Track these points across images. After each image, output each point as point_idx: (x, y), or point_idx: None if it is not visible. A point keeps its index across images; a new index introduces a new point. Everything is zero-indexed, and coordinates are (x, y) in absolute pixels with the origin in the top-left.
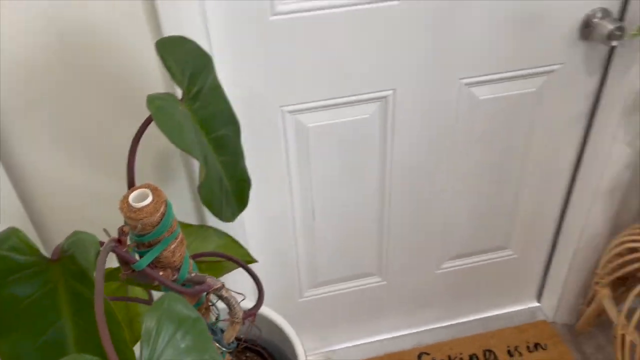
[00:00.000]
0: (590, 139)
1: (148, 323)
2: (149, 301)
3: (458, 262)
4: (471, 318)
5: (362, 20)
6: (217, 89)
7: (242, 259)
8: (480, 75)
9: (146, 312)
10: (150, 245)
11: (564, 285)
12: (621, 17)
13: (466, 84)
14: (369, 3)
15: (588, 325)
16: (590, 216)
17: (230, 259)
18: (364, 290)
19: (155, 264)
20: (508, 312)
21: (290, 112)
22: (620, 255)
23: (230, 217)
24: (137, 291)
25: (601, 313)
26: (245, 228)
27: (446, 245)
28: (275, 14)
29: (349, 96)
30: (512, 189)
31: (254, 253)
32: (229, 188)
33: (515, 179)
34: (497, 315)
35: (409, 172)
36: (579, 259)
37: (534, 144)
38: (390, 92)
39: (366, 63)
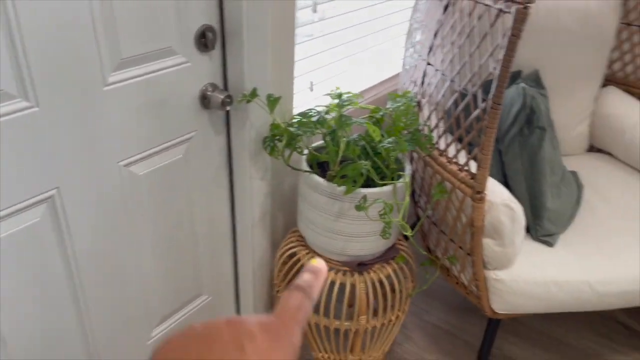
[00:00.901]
0: (235, 181)
1: None
2: None
3: (165, 324)
4: None
5: (4, 131)
6: None
7: None
8: (134, 155)
9: None
10: None
11: (254, 305)
12: (226, 88)
13: (124, 165)
14: (9, 114)
15: None
16: (254, 240)
17: None
18: None
19: None
20: None
21: None
22: (285, 263)
23: None
24: None
25: None
26: None
27: (149, 313)
28: None
29: (8, 207)
30: (190, 240)
31: None
32: None
33: (191, 231)
34: None
35: (95, 258)
36: (258, 277)
37: (196, 198)
38: (54, 190)
39: (18, 170)
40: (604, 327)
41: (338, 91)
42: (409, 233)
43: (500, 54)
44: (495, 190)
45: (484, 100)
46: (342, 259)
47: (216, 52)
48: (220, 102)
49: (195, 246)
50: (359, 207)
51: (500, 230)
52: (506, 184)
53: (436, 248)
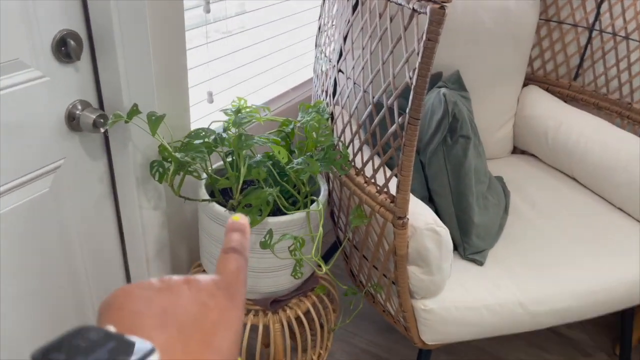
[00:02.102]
0: (122, 212)
1: None
2: None
3: None
4: None
5: None
6: None
7: None
8: None
9: None
10: None
11: None
12: (102, 105)
13: None
14: None
15: None
16: (152, 277)
17: None
18: None
19: None
20: None
21: None
22: None
23: None
24: None
25: None
26: None
27: None
28: None
29: None
30: (71, 285)
31: None
32: None
33: (70, 275)
34: None
35: None
36: None
37: (74, 235)
38: None
39: None
40: (534, 336)
41: (237, 104)
42: (323, 270)
43: (417, 61)
44: (418, 212)
45: (400, 114)
46: (252, 297)
47: (84, 63)
48: (91, 123)
49: (78, 291)
50: (264, 245)
51: (426, 257)
52: (430, 199)
53: (359, 273)
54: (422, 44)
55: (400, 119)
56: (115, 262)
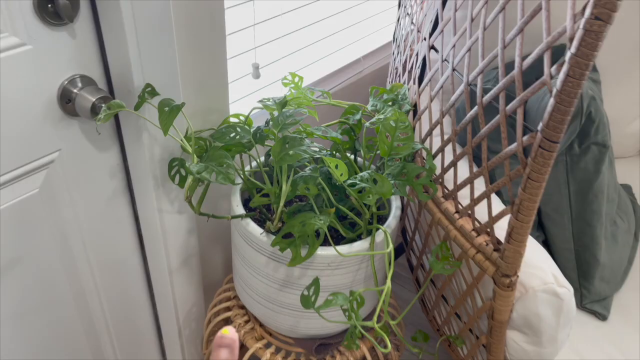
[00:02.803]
0: (140, 215)
1: None
2: None
3: None
4: None
5: None
6: None
7: None
8: None
9: None
10: None
11: None
12: (110, 83)
13: None
14: None
15: None
16: (176, 291)
17: None
18: None
19: None
20: None
21: None
22: (222, 323)
23: None
24: None
25: None
26: None
27: None
28: None
29: None
30: (85, 300)
31: None
32: None
33: (83, 290)
34: None
35: None
36: (187, 337)
37: (78, 245)
38: None
39: None
40: None
41: (289, 83)
42: (388, 348)
43: (566, 52)
44: (532, 264)
45: (528, 130)
46: (294, 336)
47: (82, 25)
48: (89, 107)
49: (87, 308)
50: (305, 302)
51: (537, 325)
52: (540, 223)
53: (434, 309)
54: (581, 23)
55: (526, 138)
56: (134, 274)
